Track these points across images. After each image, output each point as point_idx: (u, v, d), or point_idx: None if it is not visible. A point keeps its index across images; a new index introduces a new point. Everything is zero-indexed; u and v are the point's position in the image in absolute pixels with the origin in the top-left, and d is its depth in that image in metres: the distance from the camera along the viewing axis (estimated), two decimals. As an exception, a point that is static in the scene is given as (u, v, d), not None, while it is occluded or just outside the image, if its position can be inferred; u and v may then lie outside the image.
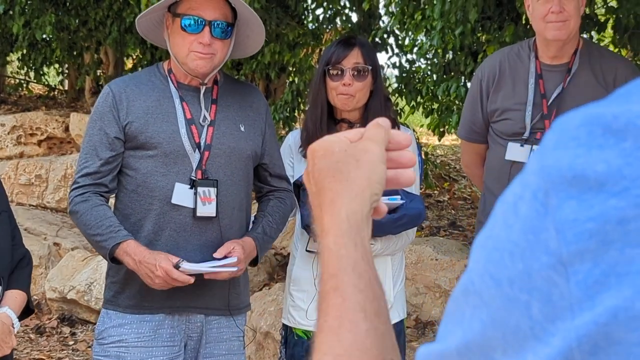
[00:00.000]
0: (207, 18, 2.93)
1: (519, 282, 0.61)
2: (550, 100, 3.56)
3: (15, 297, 3.02)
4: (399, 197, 3.16)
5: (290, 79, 8.99)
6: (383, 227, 3.14)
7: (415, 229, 3.41)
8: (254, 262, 3.15)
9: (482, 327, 0.65)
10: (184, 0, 2.95)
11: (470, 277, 0.67)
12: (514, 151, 3.59)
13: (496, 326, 0.63)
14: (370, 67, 3.35)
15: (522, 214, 0.61)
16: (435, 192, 8.14)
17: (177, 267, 2.81)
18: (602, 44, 5.55)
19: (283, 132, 7.41)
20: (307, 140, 3.40)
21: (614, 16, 5.28)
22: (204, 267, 2.91)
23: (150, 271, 2.82)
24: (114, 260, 2.94)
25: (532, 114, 3.56)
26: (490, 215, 0.67)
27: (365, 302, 0.91)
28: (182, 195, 2.98)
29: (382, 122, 1.06)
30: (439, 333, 0.73)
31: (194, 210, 2.98)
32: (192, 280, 2.84)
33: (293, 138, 3.52)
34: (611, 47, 5.37)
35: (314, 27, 8.20)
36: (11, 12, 8.61)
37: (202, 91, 3.08)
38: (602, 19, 5.45)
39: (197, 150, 3.00)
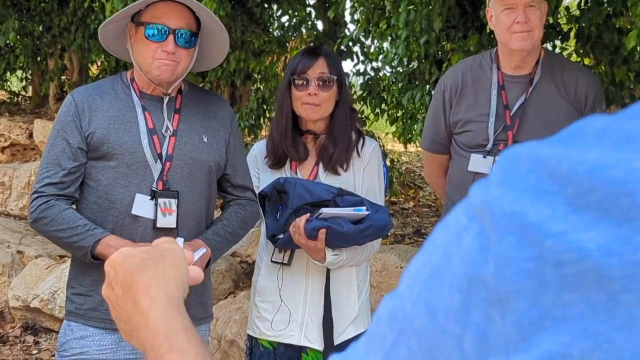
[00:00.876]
0: (171, 26, 2.92)
1: (454, 314, 0.60)
2: (513, 111, 3.56)
3: None
4: (364, 208, 3.16)
5: (256, 87, 8.99)
6: (348, 238, 3.14)
7: (380, 239, 3.42)
8: (207, 264, 3.10)
9: (409, 354, 0.64)
10: (148, 9, 2.94)
11: (401, 302, 0.66)
12: (477, 162, 3.60)
13: (425, 355, 0.63)
14: (335, 77, 3.35)
15: (465, 245, 0.60)
16: (400, 199, 8.17)
17: None
18: (565, 53, 5.60)
19: (248, 139, 7.41)
20: (273, 150, 3.40)
21: (577, 25, 5.34)
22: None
23: None
24: (95, 258, 2.90)
25: (494, 126, 3.56)
26: (427, 240, 0.67)
27: (205, 355, 0.95)
28: (142, 206, 2.97)
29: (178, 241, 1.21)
30: (353, 349, 0.72)
31: (154, 221, 2.97)
32: None
33: (258, 148, 3.52)
34: (574, 57, 5.42)
35: (279, 34, 8.20)
36: (-27, 18, 8.53)
37: (166, 101, 3.06)
38: (565, 28, 5.50)
39: (158, 160, 2.99)
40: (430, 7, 5.27)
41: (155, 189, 2.98)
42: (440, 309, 0.62)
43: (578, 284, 0.54)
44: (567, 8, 5.83)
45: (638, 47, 4.88)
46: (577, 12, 5.40)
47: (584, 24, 5.17)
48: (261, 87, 8.33)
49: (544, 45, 4.13)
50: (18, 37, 9.26)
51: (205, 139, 3.11)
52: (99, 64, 10.89)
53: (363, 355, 0.70)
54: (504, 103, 3.59)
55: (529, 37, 3.45)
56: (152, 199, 2.97)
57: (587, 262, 0.53)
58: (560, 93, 3.57)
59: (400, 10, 5.27)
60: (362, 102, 6.81)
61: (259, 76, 8.62)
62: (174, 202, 2.99)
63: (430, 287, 0.63)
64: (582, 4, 5.35)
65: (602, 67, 5.37)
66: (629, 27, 5.17)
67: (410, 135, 6.48)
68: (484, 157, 3.57)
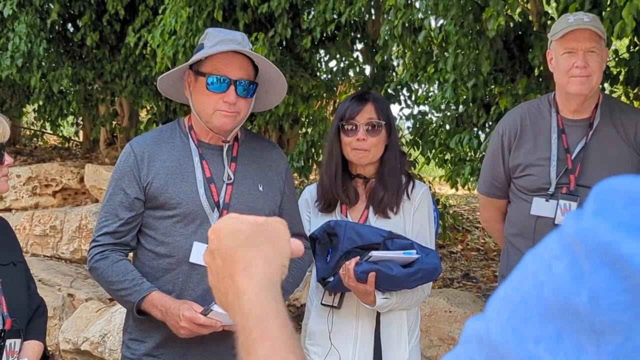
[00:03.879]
0: (232, 77, 2.95)
1: (545, 342, 0.60)
2: (574, 155, 3.57)
3: (33, 348, 3.05)
4: (414, 251, 3.16)
5: (304, 130, 9.04)
6: (398, 281, 3.14)
7: (431, 283, 3.41)
8: None
9: None
10: (208, 60, 2.98)
11: (487, 326, 0.67)
12: (540, 206, 3.59)
13: None
14: (384, 122, 3.37)
15: (556, 274, 0.61)
16: (448, 242, 8.12)
17: (206, 312, 2.81)
18: (614, 96, 5.57)
19: (297, 182, 7.44)
20: (324, 194, 3.42)
21: (627, 68, 5.31)
22: None
23: (175, 321, 2.84)
24: (140, 312, 2.95)
25: (557, 169, 3.56)
26: (517, 267, 0.67)
27: (294, 345, 0.94)
28: (200, 254, 2.98)
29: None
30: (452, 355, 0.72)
31: None
32: (220, 325, 2.83)
33: (309, 192, 3.54)
34: (623, 99, 5.39)
35: (327, 78, 8.25)
36: (28, 65, 8.72)
37: (225, 149, 3.10)
38: (615, 71, 5.48)
39: (215, 209, 3.02)
40: (478, 51, 5.29)
41: None
42: (530, 336, 0.62)
43: None
44: (615, 51, 5.80)
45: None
46: (626, 55, 5.37)
47: (633, 67, 5.14)
48: (309, 130, 8.37)
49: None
50: (71, 83, 9.44)
51: (260, 188, 3.14)
52: (149, 108, 11.05)
53: None
54: (564, 147, 3.58)
55: (587, 82, 3.45)
56: None
57: None
58: (620, 136, 3.56)
59: (447, 54, 5.30)
60: (411, 146, 6.82)
61: (307, 120, 8.68)
62: None
63: (520, 314, 0.64)
64: (632, 47, 5.33)
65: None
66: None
67: (458, 179, 6.45)
68: (547, 200, 3.56)
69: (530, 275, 0.64)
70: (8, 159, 3.02)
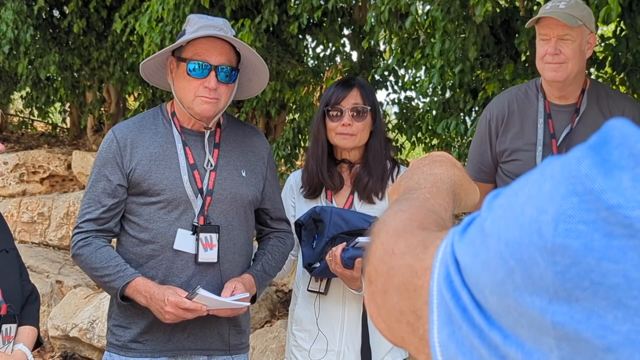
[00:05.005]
0: (212, 63, 2.95)
1: (511, 247, 0.65)
2: (560, 140, 3.58)
3: (27, 333, 3.07)
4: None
5: (291, 117, 9.04)
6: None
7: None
8: (253, 299, 3.16)
9: (481, 265, 0.69)
10: (189, 46, 2.98)
11: (487, 221, 0.71)
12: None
13: (488, 270, 0.67)
14: (369, 108, 3.38)
15: (543, 191, 0.64)
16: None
17: (191, 296, 2.82)
18: (600, 81, 5.59)
19: (284, 168, 7.44)
20: (309, 180, 3.43)
21: (613, 53, 5.33)
22: (220, 298, 2.91)
23: (160, 307, 2.84)
24: (124, 298, 2.96)
25: (542, 154, 3.57)
26: (531, 174, 0.70)
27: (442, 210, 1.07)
28: (184, 241, 3.00)
29: None
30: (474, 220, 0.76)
31: (196, 256, 3.00)
32: (205, 309, 2.85)
33: (294, 178, 3.55)
34: (610, 85, 5.40)
35: (314, 64, 8.25)
36: (15, 52, 8.69)
37: (207, 135, 3.10)
38: (601, 56, 5.49)
39: (199, 195, 3.02)
40: (465, 36, 5.29)
41: (196, 224, 3.01)
42: (507, 239, 0.66)
43: (620, 257, 0.58)
44: (602, 36, 5.81)
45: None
46: (613, 41, 5.39)
47: (620, 53, 5.16)
48: (296, 117, 8.38)
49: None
50: (58, 70, 9.41)
51: (243, 174, 3.14)
52: (136, 95, 11.02)
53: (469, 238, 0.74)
54: (550, 132, 3.59)
55: (560, 69, 3.45)
56: (193, 233, 3.00)
57: (635, 240, 0.57)
58: (606, 121, 3.56)
59: (434, 40, 5.30)
60: (397, 131, 6.83)
61: (294, 106, 8.67)
62: (215, 236, 3.02)
63: (506, 215, 0.68)
64: (618, 32, 5.35)
65: (636, 95, 5.36)
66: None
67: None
68: None
69: (529, 184, 0.68)
70: (0, 146, 3.02)
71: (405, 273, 0.81)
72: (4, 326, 2.92)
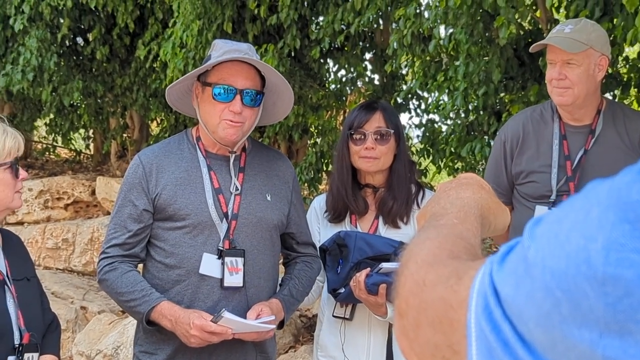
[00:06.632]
0: (238, 87, 2.95)
1: (558, 277, 0.62)
2: (575, 162, 3.54)
3: None
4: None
5: (313, 141, 9.03)
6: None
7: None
8: (281, 324, 3.14)
9: (525, 296, 0.66)
10: (215, 70, 2.98)
11: (531, 251, 0.68)
12: (542, 213, 3.55)
13: (533, 302, 0.65)
14: (392, 131, 3.36)
15: (590, 218, 0.62)
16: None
17: (216, 319, 2.80)
18: (626, 102, 5.54)
19: (307, 192, 7.43)
20: (333, 204, 3.41)
21: (638, 75, 5.28)
22: (245, 321, 2.89)
23: (185, 330, 2.83)
24: (150, 323, 2.94)
25: (557, 176, 3.54)
26: (574, 200, 0.68)
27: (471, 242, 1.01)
28: (209, 265, 2.99)
29: None
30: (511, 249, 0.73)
31: (222, 280, 2.99)
32: (230, 332, 2.83)
33: (318, 203, 3.53)
34: (635, 105, 5.35)
35: (336, 89, 8.25)
36: (39, 79, 8.76)
37: (232, 159, 3.10)
38: (626, 77, 5.44)
39: (224, 219, 3.01)
40: (488, 59, 5.27)
41: (222, 248, 2.99)
42: (553, 269, 0.63)
43: None
44: (626, 58, 5.77)
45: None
46: (638, 62, 5.34)
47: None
48: (318, 141, 8.37)
49: (605, 95, 4.07)
50: (81, 97, 9.48)
51: (269, 198, 3.13)
52: (159, 121, 11.06)
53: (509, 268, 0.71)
54: (565, 154, 3.55)
55: (566, 94, 3.43)
56: (219, 258, 2.99)
57: None
58: (623, 142, 3.52)
59: (458, 62, 5.28)
60: (421, 155, 6.79)
61: (317, 130, 8.67)
62: (240, 260, 3.00)
63: (552, 244, 0.65)
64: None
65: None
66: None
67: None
68: (549, 207, 3.52)
69: (575, 210, 0.65)
70: (22, 173, 3.02)
71: (438, 306, 0.79)
72: (26, 355, 2.91)
